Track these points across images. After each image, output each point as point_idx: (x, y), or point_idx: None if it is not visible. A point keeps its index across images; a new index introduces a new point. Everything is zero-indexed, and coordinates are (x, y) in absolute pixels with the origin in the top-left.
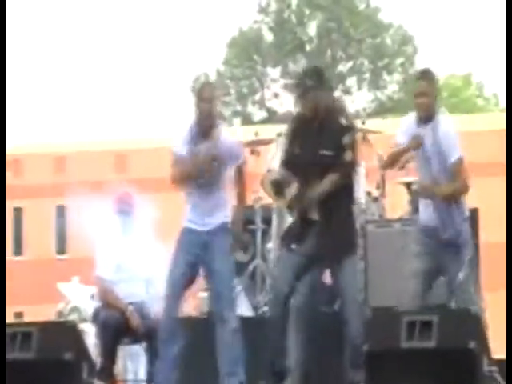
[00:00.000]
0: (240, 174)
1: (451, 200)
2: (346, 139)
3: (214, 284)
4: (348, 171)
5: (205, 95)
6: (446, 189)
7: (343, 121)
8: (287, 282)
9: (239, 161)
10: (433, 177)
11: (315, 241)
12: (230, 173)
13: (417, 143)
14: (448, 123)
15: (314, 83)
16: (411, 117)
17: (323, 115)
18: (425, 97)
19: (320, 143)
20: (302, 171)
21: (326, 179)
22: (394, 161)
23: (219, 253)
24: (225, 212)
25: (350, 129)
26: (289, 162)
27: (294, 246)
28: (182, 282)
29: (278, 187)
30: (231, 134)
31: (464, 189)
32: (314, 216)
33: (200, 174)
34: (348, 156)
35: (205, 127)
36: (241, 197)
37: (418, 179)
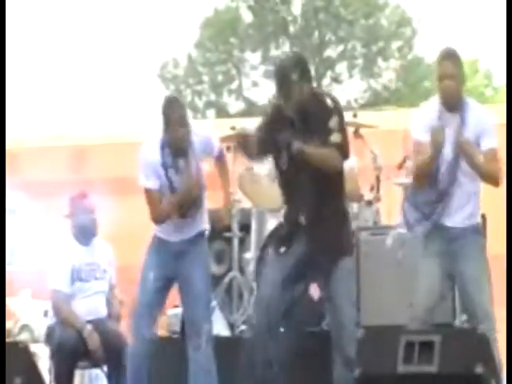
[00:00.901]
0: (221, 165)
1: (482, 177)
2: (331, 123)
3: (189, 298)
4: (338, 155)
5: (175, 121)
6: (481, 159)
7: (328, 102)
8: (277, 287)
9: (214, 154)
10: (456, 179)
11: (304, 246)
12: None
13: (437, 140)
14: (481, 110)
15: (298, 77)
16: (432, 104)
17: (306, 107)
18: (451, 79)
19: (304, 134)
20: (288, 169)
21: (322, 148)
22: (426, 174)
23: (195, 263)
24: (203, 220)
25: (336, 111)
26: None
27: (282, 250)
28: (155, 299)
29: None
30: (203, 127)
31: (495, 179)
32: (302, 220)
33: (181, 209)
34: (335, 137)
35: (179, 147)
36: (225, 191)
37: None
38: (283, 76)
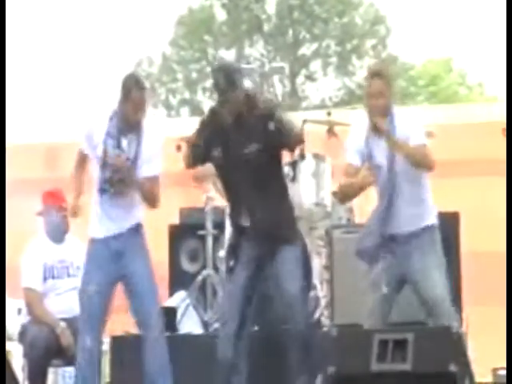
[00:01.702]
0: (149, 188)
1: (417, 164)
2: (271, 126)
3: (134, 293)
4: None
5: (135, 101)
6: (412, 148)
7: (260, 109)
8: (236, 317)
9: (152, 174)
10: (396, 186)
11: (251, 249)
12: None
13: (368, 180)
14: (405, 114)
15: (225, 86)
16: (360, 125)
17: (238, 113)
18: (381, 97)
19: (241, 142)
20: (227, 176)
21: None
22: (348, 196)
23: (135, 259)
24: (136, 213)
25: (272, 114)
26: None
27: (232, 263)
28: (98, 310)
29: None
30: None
31: (430, 162)
32: (245, 222)
33: (116, 179)
34: (271, 126)
35: (127, 125)
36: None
37: (378, 197)
38: (215, 84)
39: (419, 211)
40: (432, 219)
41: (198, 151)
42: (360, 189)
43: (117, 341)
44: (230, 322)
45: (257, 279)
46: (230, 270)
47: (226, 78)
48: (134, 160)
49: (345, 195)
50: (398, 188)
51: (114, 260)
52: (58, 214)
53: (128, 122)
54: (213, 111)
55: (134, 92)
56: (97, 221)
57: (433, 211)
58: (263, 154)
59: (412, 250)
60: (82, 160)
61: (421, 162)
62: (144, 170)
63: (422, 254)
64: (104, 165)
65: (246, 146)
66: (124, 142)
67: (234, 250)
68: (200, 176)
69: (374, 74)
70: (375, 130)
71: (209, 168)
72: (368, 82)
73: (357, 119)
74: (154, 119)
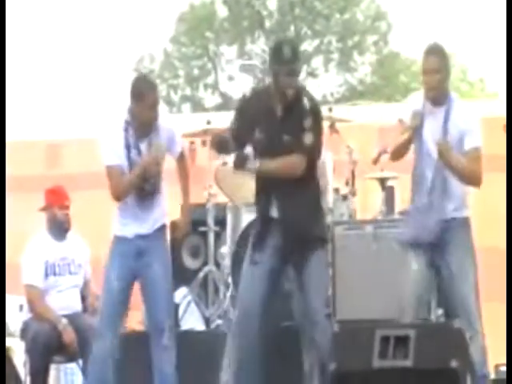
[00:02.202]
0: (183, 165)
1: (462, 179)
2: (307, 122)
3: (150, 294)
4: (308, 156)
5: (149, 101)
6: (462, 162)
7: (306, 103)
8: (257, 304)
9: (178, 151)
10: (436, 177)
11: (277, 241)
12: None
13: (413, 123)
14: (465, 107)
15: (291, 57)
16: (419, 97)
17: (291, 102)
18: (436, 73)
19: (283, 128)
20: (264, 158)
21: (281, 158)
22: (400, 153)
23: (156, 260)
24: (162, 213)
25: (313, 112)
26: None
27: (257, 257)
28: (118, 299)
29: (222, 144)
30: (170, 121)
31: (476, 180)
32: (274, 213)
33: (143, 182)
34: (308, 139)
35: (144, 129)
36: (186, 193)
37: (414, 182)
38: (279, 54)
39: (458, 201)
40: (467, 210)
41: (240, 132)
42: (410, 143)
43: (122, 337)
44: (252, 312)
45: (279, 272)
46: (254, 258)
47: (294, 51)
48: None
49: (399, 153)
50: (443, 173)
51: (135, 259)
52: (60, 211)
53: (143, 125)
54: (256, 92)
55: (146, 93)
56: (122, 220)
57: (467, 203)
58: (295, 144)
59: (448, 243)
60: (119, 175)
61: (468, 180)
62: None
63: (458, 246)
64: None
65: (289, 133)
66: (142, 147)
67: (261, 238)
68: (220, 178)
69: (429, 51)
70: (432, 102)
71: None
72: (423, 59)
73: (415, 95)
74: (166, 115)
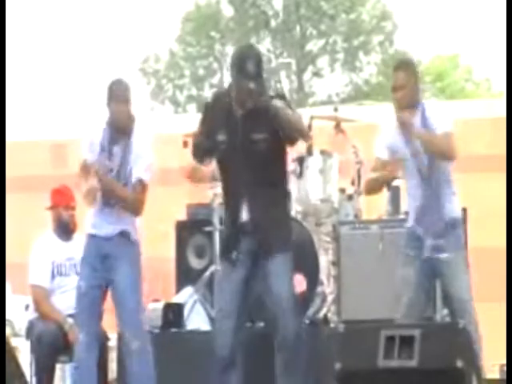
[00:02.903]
0: (134, 194)
1: (436, 153)
2: (278, 104)
3: (118, 299)
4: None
5: (119, 95)
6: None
7: (272, 100)
8: (233, 313)
9: (135, 178)
10: (423, 176)
11: (248, 244)
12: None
13: (404, 122)
14: (436, 106)
15: (254, 73)
16: (390, 120)
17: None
18: (403, 89)
19: (249, 127)
20: (230, 162)
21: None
22: (374, 190)
23: (122, 265)
24: (127, 219)
25: (280, 101)
26: (212, 152)
27: (234, 255)
28: (91, 307)
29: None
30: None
31: (450, 153)
32: (245, 217)
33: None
34: (278, 103)
35: (119, 129)
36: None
37: (408, 183)
38: (241, 68)
39: (450, 204)
40: (458, 212)
41: (203, 138)
42: (385, 182)
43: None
44: (226, 318)
45: (252, 276)
46: (229, 265)
47: (257, 66)
48: (120, 167)
49: (371, 189)
50: (436, 182)
51: (102, 263)
52: (66, 212)
53: (118, 126)
54: (217, 95)
55: (115, 89)
56: (92, 218)
57: (457, 204)
58: (269, 145)
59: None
60: (87, 171)
61: (443, 152)
62: (133, 173)
63: (452, 248)
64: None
65: (253, 133)
66: (115, 149)
67: (233, 245)
68: (197, 177)
69: (397, 66)
70: (400, 123)
71: (206, 170)
72: (392, 76)
73: (386, 115)
74: (142, 121)
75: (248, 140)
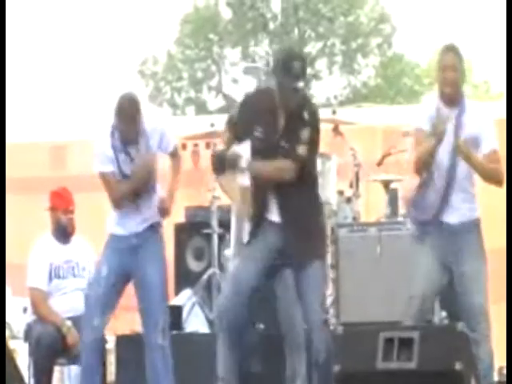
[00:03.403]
0: (175, 162)
1: (491, 182)
2: (304, 134)
3: (145, 293)
4: (300, 165)
5: (127, 114)
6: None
7: (306, 116)
8: (253, 275)
9: (170, 150)
10: (448, 181)
11: (276, 242)
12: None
13: (439, 128)
14: (478, 109)
15: (301, 73)
16: (433, 97)
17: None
18: (454, 70)
19: (282, 136)
20: (256, 159)
21: (273, 162)
22: (426, 163)
23: (150, 258)
24: (155, 212)
25: (312, 125)
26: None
27: (253, 240)
28: (105, 293)
29: (220, 163)
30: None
31: (499, 179)
32: (274, 217)
33: (137, 190)
34: (302, 150)
35: (130, 136)
36: (175, 181)
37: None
38: (289, 68)
39: (469, 203)
40: (478, 212)
41: (241, 126)
42: (434, 151)
43: (122, 339)
44: (243, 290)
45: (275, 272)
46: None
47: (303, 67)
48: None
49: (425, 162)
50: (456, 177)
51: (129, 255)
52: (65, 216)
53: (124, 136)
54: (255, 95)
55: (123, 107)
56: (116, 218)
57: (477, 205)
58: (307, 152)
59: (463, 244)
60: (115, 182)
61: (491, 178)
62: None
63: (472, 251)
64: (122, 177)
65: (287, 141)
66: (132, 152)
67: (257, 227)
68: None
69: (449, 48)
70: (447, 102)
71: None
72: (441, 56)
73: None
74: (156, 115)
75: (280, 147)
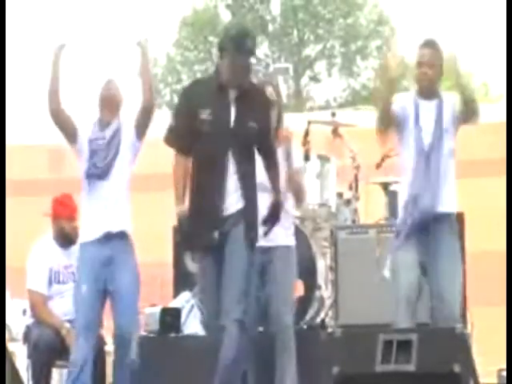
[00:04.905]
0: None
1: (470, 107)
2: (273, 116)
3: (117, 307)
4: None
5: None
6: None
7: (266, 95)
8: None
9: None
10: (432, 171)
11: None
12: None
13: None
14: (456, 101)
15: (251, 49)
16: (409, 93)
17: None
18: (429, 67)
19: (243, 111)
20: (215, 145)
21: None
22: (384, 119)
23: (122, 270)
24: (123, 218)
25: (277, 103)
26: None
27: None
28: (92, 316)
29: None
30: None
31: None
32: (230, 208)
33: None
34: (272, 135)
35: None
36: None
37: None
38: (241, 45)
39: (445, 195)
40: (454, 207)
41: (183, 113)
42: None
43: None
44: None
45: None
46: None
47: (254, 44)
48: (111, 137)
49: (382, 119)
50: (433, 167)
51: (102, 267)
52: (69, 224)
53: (105, 122)
54: (199, 79)
55: (103, 92)
56: (86, 223)
57: (454, 199)
58: (259, 135)
59: (439, 235)
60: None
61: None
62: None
63: (447, 242)
64: (92, 153)
65: (246, 118)
66: (107, 133)
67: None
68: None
69: (425, 44)
70: (424, 96)
71: None
72: (419, 52)
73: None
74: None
75: (241, 125)
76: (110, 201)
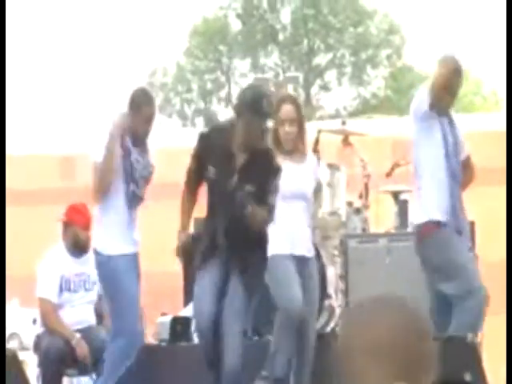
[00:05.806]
0: None
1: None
2: (274, 182)
3: None
4: (270, 216)
5: (145, 115)
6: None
7: (274, 160)
8: (211, 303)
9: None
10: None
11: (223, 259)
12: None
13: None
14: (458, 120)
15: (268, 112)
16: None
17: (255, 151)
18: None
19: (245, 177)
20: (217, 199)
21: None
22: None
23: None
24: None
25: (279, 171)
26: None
27: (208, 265)
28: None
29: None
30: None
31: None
32: (220, 240)
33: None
34: (272, 200)
35: (137, 138)
36: None
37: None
38: (259, 107)
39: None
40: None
41: (195, 170)
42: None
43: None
44: (205, 311)
45: (225, 281)
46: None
47: (271, 107)
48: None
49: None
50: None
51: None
52: (84, 232)
53: (137, 135)
54: (216, 129)
55: (144, 107)
56: (121, 237)
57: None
58: (256, 199)
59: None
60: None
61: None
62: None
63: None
64: (132, 179)
65: (247, 183)
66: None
67: (209, 253)
68: None
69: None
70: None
71: None
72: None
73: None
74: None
75: (239, 189)
76: None
